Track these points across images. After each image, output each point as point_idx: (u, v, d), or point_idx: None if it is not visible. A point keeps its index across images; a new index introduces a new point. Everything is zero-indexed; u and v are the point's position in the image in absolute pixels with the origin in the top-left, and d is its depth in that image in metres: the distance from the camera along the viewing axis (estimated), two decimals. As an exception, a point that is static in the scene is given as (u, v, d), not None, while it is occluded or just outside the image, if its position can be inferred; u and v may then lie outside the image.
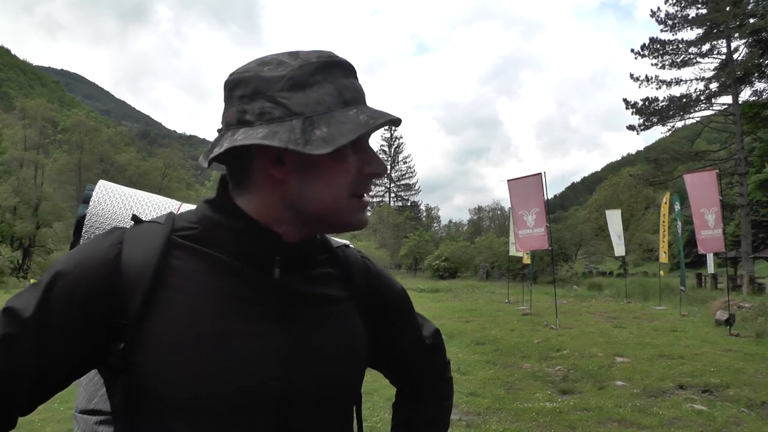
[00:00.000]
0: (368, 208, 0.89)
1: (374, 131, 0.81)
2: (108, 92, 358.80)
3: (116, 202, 1.23)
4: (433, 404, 1.15)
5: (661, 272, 21.06)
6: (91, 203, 1.21)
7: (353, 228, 0.86)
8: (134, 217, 0.87)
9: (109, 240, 0.80)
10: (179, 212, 0.91)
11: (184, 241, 0.82)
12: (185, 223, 0.85)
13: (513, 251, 21.66)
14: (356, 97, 0.81)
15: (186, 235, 0.83)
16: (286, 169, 0.80)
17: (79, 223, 1.20)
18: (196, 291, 0.78)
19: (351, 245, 1.05)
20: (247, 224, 0.82)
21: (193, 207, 1.00)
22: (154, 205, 1.28)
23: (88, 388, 1.20)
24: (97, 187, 1.26)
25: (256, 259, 0.83)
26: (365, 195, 0.86)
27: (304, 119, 0.75)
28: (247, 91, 0.78)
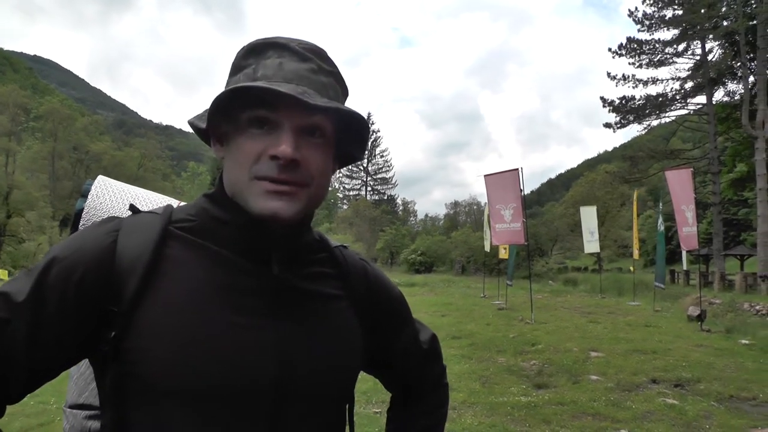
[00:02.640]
0: (286, 196, 0.78)
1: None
2: (83, 80, 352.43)
3: (114, 198, 1.24)
4: (428, 411, 1.12)
5: (631, 268, 21.39)
6: (89, 197, 1.22)
7: (258, 215, 0.78)
8: (132, 207, 0.86)
9: (106, 228, 0.81)
10: (179, 206, 0.92)
11: (181, 232, 0.82)
12: (183, 215, 0.85)
13: (488, 247, 21.81)
14: (267, 74, 0.78)
15: (183, 226, 0.83)
16: (222, 147, 0.84)
17: (77, 216, 1.21)
18: (190, 281, 0.78)
19: (348, 246, 1.04)
20: (244, 218, 0.81)
21: None
22: (152, 202, 1.28)
23: (78, 383, 1.20)
24: (96, 181, 1.26)
25: (252, 253, 0.83)
26: (280, 182, 0.77)
27: None
28: None
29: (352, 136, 0.88)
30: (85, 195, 1.22)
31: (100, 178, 1.28)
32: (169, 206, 0.87)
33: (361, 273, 0.99)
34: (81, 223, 1.20)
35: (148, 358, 0.73)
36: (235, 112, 0.78)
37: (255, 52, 0.81)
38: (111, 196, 1.24)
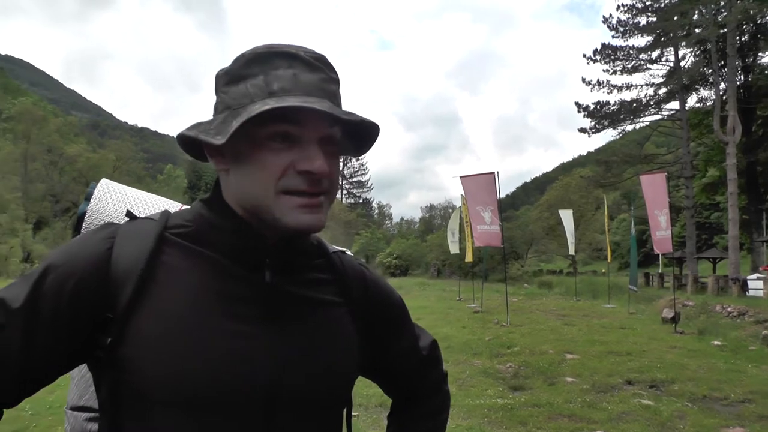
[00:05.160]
0: (316, 209, 0.80)
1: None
2: (56, 80, 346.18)
3: (117, 201, 1.25)
4: (428, 418, 1.12)
5: (603, 270, 21.66)
6: (92, 201, 1.22)
7: (292, 229, 0.79)
8: (128, 213, 0.87)
9: (102, 234, 0.81)
10: (176, 211, 0.91)
11: (177, 238, 0.82)
12: (180, 220, 0.84)
13: (454, 249, 21.91)
14: (285, 86, 0.76)
15: (179, 232, 0.83)
16: (225, 159, 0.81)
17: (80, 219, 1.22)
18: (186, 288, 0.78)
19: (348, 252, 1.05)
20: (238, 224, 0.82)
21: None
22: (154, 206, 1.29)
23: (79, 385, 1.21)
24: (99, 185, 1.27)
25: (247, 259, 0.83)
26: (310, 194, 0.78)
27: (232, 111, 0.77)
28: (214, 87, 0.84)
29: (354, 140, 0.89)
30: (88, 198, 1.23)
31: (104, 181, 1.28)
32: (166, 212, 0.87)
33: (359, 278, 0.98)
34: (83, 226, 1.21)
35: (141, 367, 0.74)
36: (253, 126, 0.75)
37: (259, 61, 0.78)
38: (113, 199, 1.24)
